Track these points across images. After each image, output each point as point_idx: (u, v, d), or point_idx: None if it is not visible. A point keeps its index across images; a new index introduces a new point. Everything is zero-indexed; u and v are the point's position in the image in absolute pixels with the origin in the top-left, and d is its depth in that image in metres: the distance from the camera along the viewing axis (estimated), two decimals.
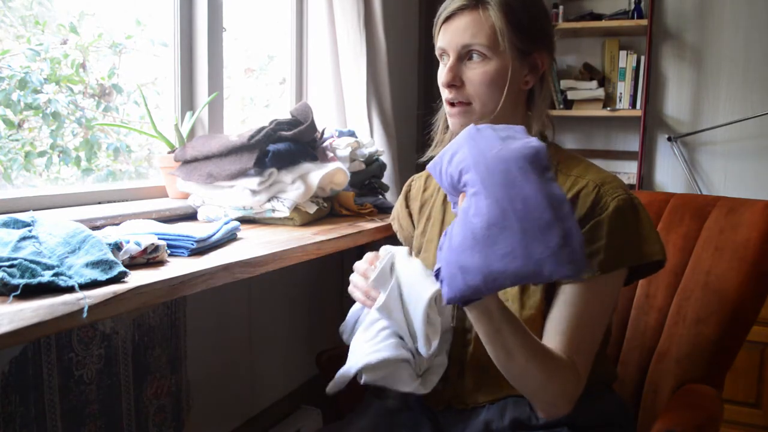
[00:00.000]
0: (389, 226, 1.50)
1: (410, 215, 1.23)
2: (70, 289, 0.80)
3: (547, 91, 1.07)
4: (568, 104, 2.83)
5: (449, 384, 1.05)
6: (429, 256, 1.12)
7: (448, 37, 1.00)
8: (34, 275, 0.80)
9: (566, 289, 0.94)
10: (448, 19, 1.00)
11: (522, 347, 0.87)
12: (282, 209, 1.42)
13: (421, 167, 1.25)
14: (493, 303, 0.85)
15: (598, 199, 0.95)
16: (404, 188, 1.27)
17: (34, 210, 1.10)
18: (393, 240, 1.27)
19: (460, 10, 0.99)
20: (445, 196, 1.14)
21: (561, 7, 2.80)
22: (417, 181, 1.24)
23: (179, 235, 1.09)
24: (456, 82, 1.00)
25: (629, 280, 0.99)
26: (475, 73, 0.99)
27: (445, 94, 1.02)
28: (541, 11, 1.04)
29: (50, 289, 0.80)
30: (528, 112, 1.06)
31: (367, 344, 0.96)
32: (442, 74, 1.02)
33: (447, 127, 1.14)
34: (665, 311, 1.23)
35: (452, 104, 1.03)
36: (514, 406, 1.00)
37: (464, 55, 1.00)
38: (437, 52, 1.04)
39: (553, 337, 0.93)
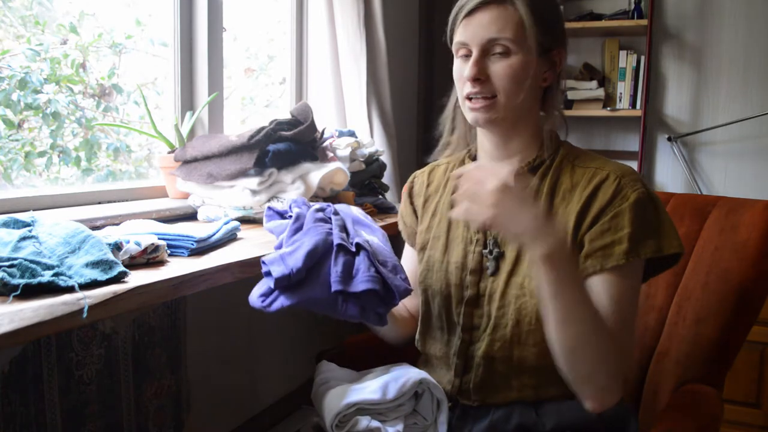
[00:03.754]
0: (389, 226, 1.50)
1: (414, 211, 1.22)
2: (70, 289, 0.80)
3: (562, 90, 1.08)
4: (568, 104, 2.82)
5: (456, 378, 1.05)
6: (435, 254, 1.11)
7: (471, 31, 0.99)
8: (34, 275, 0.80)
9: (596, 281, 0.95)
10: (470, 13, 0.99)
11: (580, 312, 0.88)
12: None
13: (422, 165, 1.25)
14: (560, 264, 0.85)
15: (618, 189, 0.97)
16: (407, 185, 1.25)
17: (34, 210, 1.10)
18: (392, 240, 1.27)
19: (485, 4, 0.98)
20: (455, 192, 1.13)
21: (561, 7, 2.80)
22: (419, 176, 1.24)
23: (179, 235, 1.09)
24: (481, 76, 0.98)
25: (648, 275, 1.00)
26: (501, 66, 0.98)
27: (467, 88, 1.00)
28: (559, 9, 1.06)
29: (50, 289, 0.80)
30: (541, 111, 1.06)
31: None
32: (466, 68, 0.99)
33: (453, 128, 1.14)
34: (665, 311, 1.23)
35: (472, 99, 1.01)
36: (521, 411, 1.00)
37: (489, 49, 0.99)
38: (455, 47, 1.03)
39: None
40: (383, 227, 1.57)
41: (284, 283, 0.86)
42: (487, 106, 0.99)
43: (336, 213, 1.04)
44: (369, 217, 1.14)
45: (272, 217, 1.11)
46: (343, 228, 1.00)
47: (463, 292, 1.05)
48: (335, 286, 0.88)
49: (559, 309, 0.88)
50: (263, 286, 0.91)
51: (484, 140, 1.08)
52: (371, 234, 1.04)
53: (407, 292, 0.96)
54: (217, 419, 1.69)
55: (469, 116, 1.03)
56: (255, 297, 0.92)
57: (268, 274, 0.89)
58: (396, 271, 0.96)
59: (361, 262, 0.91)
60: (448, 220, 1.12)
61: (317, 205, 1.06)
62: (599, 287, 0.95)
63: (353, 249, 0.93)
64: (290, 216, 1.04)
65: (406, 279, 0.97)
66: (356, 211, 1.13)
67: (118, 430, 1.37)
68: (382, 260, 0.96)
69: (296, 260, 0.87)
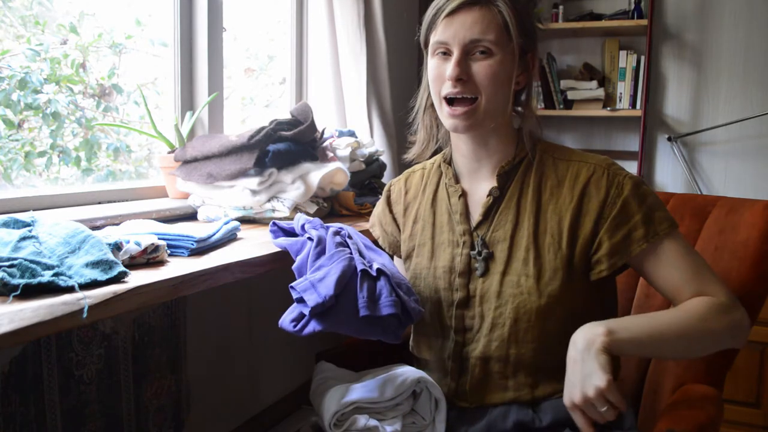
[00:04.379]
0: None
1: (394, 219, 1.22)
2: (70, 289, 0.80)
3: (535, 92, 1.09)
4: (568, 104, 2.82)
5: (452, 381, 1.05)
6: (422, 261, 1.12)
7: (452, 31, 0.99)
8: (34, 275, 0.80)
9: (651, 261, 0.99)
10: (452, 13, 0.99)
11: (678, 332, 0.93)
12: (282, 209, 1.42)
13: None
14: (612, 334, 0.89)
15: (611, 180, 1.00)
16: (384, 193, 1.25)
17: (34, 210, 1.10)
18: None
19: (468, 5, 0.98)
20: (434, 198, 1.14)
21: (561, 7, 2.80)
22: (396, 184, 1.24)
23: (179, 235, 1.09)
24: (464, 76, 0.98)
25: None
26: (483, 66, 0.98)
27: (447, 88, 1.00)
28: (532, 13, 1.06)
29: (50, 289, 0.80)
30: (513, 113, 1.07)
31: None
32: (447, 68, 0.99)
33: (433, 127, 1.13)
34: None
35: (452, 101, 1.00)
36: (518, 410, 1.01)
37: (470, 50, 0.99)
38: (433, 47, 1.02)
39: (684, 292, 0.98)
40: None
41: (319, 311, 0.91)
42: (467, 113, 1.00)
43: (350, 236, 1.07)
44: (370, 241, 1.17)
45: (277, 233, 1.16)
46: (359, 252, 1.03)
47: (453, 294, 1.06)
48: (363, 311, 0.91)
49: (661, 347, 0.94)
50: (295, 311, 0.95)
51: (461, 144, 1.09)
52: (379, 255, 1.07)
53: (420, 313, 0.99)
54: (217, 419, 1.70)
55: (448, 122, 1.02)
56: (287, 322, 0.95)
57: (299, 300, 0.93)
58: (410, 293, 0.99)
59: (382, 286, 0.95)
60: (432, 226, 1.12)
61: (334, 228, 1.08)
62: (663, 261, 0.99)
63: (374, 273, 0.96)
64: (307, 236, 1.07)
65: (417, 300, 1.00)
66: (356, 232, 1.15)
67: (118, 430, 1.37)
68: (398, 282, 0.98)
69: (327, 288, 0.91)
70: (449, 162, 1.14)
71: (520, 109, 1.08)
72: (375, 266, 0.97)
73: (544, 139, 1.11)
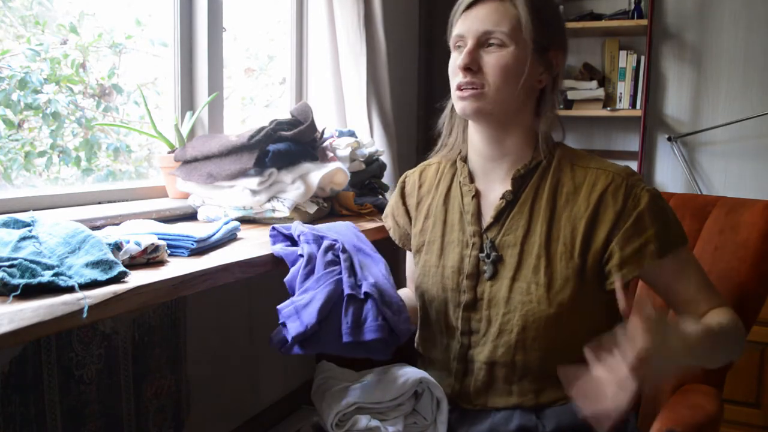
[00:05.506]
0: None
1: (407, 212, 1.21)
2: (70, 289, 0.80)
3: (558, 93, 1.08)
4: (568, 104, 2.82)
5: (456, 382, 1.05)
6: (431, 258, 1.11)
7: (468, 24, 1.00)
8: (34, 275, 0.80)
9: (664, 275, 1.00)
10: (469, 7, 1.01)
11: (707, 349, 0.92)
12: (282, 209, 1.42)
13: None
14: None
15: (629, 191, 0.99)
16: (399, 184, 1.24)
17: (34, 210, 1.10)
18: (389, 240, 1.26)
19: None
20: (447, 195, 1.13)
21: (561, 7, 2.80)
22: (411, 176, 1.22)
23: (179, 235, 1.09)
24: (473, 66, 0.99)
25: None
26: (494, 57, 0.99)
27: (459, 78, 1.01)
28: (559, 11, 1.07)
29: (50, 289, 0.80)
30: (536, 114, 1.06)
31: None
32: (459, 59, 1.00)
33: (450, 132, 1.13)
34: (665, 311, 1.23)
35: (463, 89, 1.01)
36: (521, 414, 1.00)
37: (484, 41, 0.99)
38: (453, 42, 1.04)
39: (699, 307, 0.99)
40: (383, 227, 1.57)
41: (300, 339, 0.92)
42: (475, 95, 1.00)
43: (344, 250, 1.05)
44: (369, 242, 1.16)
45: (277, 237, 1.15)
46: (351, 268, 1.02)
47: (460, 296, 1.05)
48: (346, 338, 0.92)
49: (689, 361, 0.92)
50: (280, 333, 0.97)
51: (475, 137, 1.08)
52: (374, 265, 1.06)
53: (409, 332, 0.99)
54: (217, 419, 1.70)
55: (458, 106, 1.03)
56: (274, 342, 0.97)
57: (285, 324, 0.94)
58: (400, 312, 0.99)
59: (368, 310, 0.95)
60: (443, 224, 1.11)
61: (328, 241, 1.07)
62: (671, 280, 1.00)
63: (362, 296, 0.96)
64: (300, 251, 1.06)
65: (407, 319, 1.00)
66: (355, 234, 1.15)
67: (118, 430, 1.37)
68: (388, 300, 0.98)
69: (310, 315, 0.92)
70: (465, 160, 1.13)
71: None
72: (364, 288, 0.97)
73: (564, 143, 1.09)
